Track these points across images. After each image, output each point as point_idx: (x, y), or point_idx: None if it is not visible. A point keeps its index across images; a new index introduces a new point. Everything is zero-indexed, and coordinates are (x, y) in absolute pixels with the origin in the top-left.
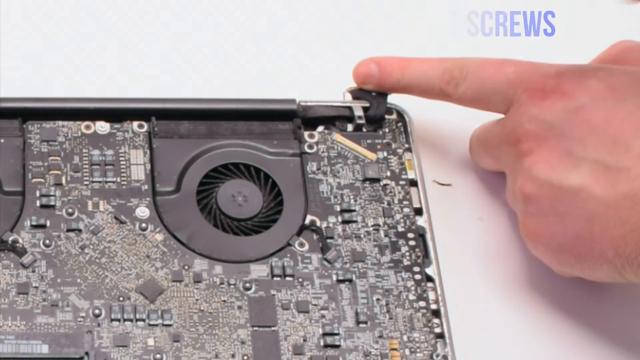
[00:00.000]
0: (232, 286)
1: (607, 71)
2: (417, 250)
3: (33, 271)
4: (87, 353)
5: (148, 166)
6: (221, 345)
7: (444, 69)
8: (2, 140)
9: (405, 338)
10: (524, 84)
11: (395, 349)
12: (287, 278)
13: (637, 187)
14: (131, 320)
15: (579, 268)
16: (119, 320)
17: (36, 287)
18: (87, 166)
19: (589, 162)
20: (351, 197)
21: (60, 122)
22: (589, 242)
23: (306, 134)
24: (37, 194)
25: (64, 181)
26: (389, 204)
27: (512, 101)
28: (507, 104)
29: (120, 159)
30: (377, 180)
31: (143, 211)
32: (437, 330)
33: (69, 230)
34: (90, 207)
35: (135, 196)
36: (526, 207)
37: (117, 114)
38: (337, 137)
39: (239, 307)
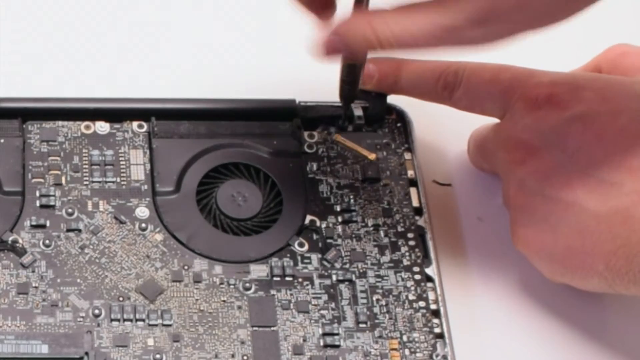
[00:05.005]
0: (231, 286)
1: (603, 82)
2: (416, 250)
3: (33, 271)
4: (87, 353)
5: (148, 166)
6: (221, 346)
7: (439, 74)
8: (2, 141)
9: (405, 338)
10: (519, 92)
11: (395, 349)
12: (287, 278)
13: (629, 203)
14: (131, 320)
15: (569, 278)
16: (118, 320)
17: (36, 287)
18: (86, 166)
19: (581, 175)
20: (351, 197)
21: (60, 122)
22: (580, 255)
23: (306, 134)
24: (37, 194)
25: (63, 181)
26: (388, 204)
27: (507, 108)
28: (502, 110)
29: (120, 159)
30: (377, 180)
31: (143, 211)
32: (437, 330)
33: (68, 230)
34: (90, 207)
35: (135, 196)
36: (517, 215)
37: (116, 114)
38: (337, 137)
39: (239, 307)
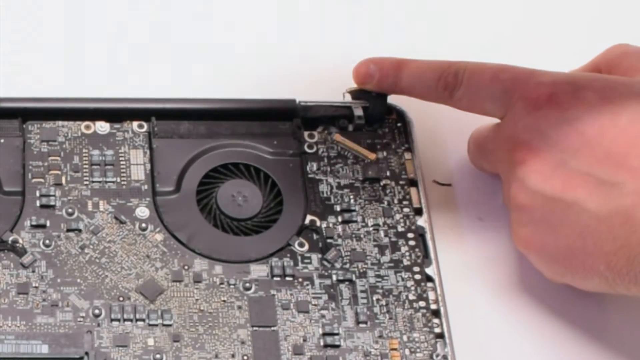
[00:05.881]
0: (232, 286)
1: (603, 82)
2: (417, 250)
3: (33, 271)
4: (87, 353)
5: (148, 166)
6: (221, 345)
7: (440, 74)
8: (2, 140)
9: (405, 338)
10: (520, 92)
11: (395, 349)
12: (287, 278)
13: (630, 204)
14: (131, 320)
15: (570, 278)
16: (118, 320)
17: (36, 287)
18: (87, 166)
19: (582, 175)
20: (351, 197)
21: (60, 122)
22: (580, 255)
23: (306, 134)
24: (37, 194)
25: (63, 181)
26: (388, 204)
27: (507, 108)
28: (502, 111)
29: (120, 159)
30: (377, 180)
31: (143, 211)
32: (437, 330)
33: (68, 230)
34: (90, 207)
35: (135, 196)
36: (518, 215)
37: (117, 114)
38: (337, 137)
39: (239, 307)
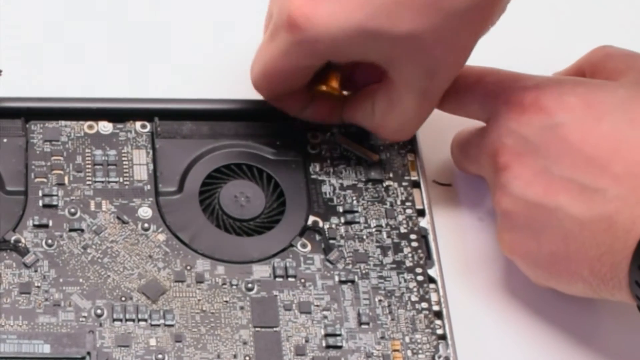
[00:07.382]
0: (234, 287)
1: (586, 87)
2: (419, 251)
3: (35, 271)
4: (89, 353)
5: (151, 166)
6: (223, 346)
7: None
8: (5, 140)
9: (407, 339)
10: (504, 96)
11: (397, 350)
12: (290, 279)
13: (613, 209)
14: (133, 320)
15: (554, 283)
16: (121, 320)
17: (38, 287)
18: (89, 166)
19: (565, 181)
20: (354, 198)
21: (63, 122)
22: (564, 261)
23: (309, 134)
24: (40, 193)
25: (66, 181)
26: (391, 205)
27: (491, 112)
28: (486, 114)
29: (123, 159)
30: (380, 181)
31: (145, 211)
32: (439, 331)
33: (71, 230)
34: (92, 207)
35: (138, 196)
36: (502, 221)
37: (120, 114)
38: (340, 138)
39: (241, 308)
